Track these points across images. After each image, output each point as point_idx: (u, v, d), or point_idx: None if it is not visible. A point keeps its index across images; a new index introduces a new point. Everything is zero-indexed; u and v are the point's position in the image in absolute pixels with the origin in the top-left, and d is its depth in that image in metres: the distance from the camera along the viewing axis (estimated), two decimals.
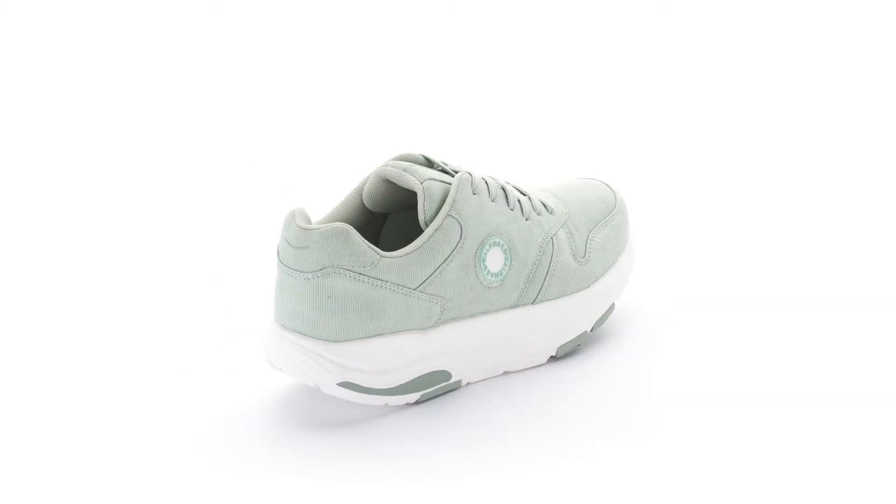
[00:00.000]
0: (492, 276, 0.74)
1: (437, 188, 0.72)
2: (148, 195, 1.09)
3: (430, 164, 0.74)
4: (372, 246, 0.69)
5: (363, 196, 0.74)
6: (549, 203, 0.79)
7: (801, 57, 1.31)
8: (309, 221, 0.70)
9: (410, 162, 0.73)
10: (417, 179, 0.72)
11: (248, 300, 0.88)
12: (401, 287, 0.70)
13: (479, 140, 1.17)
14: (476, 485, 0.67)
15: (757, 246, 0.94)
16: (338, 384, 0.70)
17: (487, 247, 0.73)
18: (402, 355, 0.71)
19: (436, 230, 0.71)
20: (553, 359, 0.79)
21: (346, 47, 1.37)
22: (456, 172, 0.74)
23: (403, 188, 0.73)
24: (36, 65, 1.37)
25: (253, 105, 1.28)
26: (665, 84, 1.29)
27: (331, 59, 1.36)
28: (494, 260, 0.74)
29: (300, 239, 0.69)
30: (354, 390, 0.70)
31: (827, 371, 0.76)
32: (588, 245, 0.79)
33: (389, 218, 0.76)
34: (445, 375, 0.73)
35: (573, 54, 1.35)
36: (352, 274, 0.69)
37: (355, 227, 0.74)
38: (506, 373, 0.77)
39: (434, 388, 0.73)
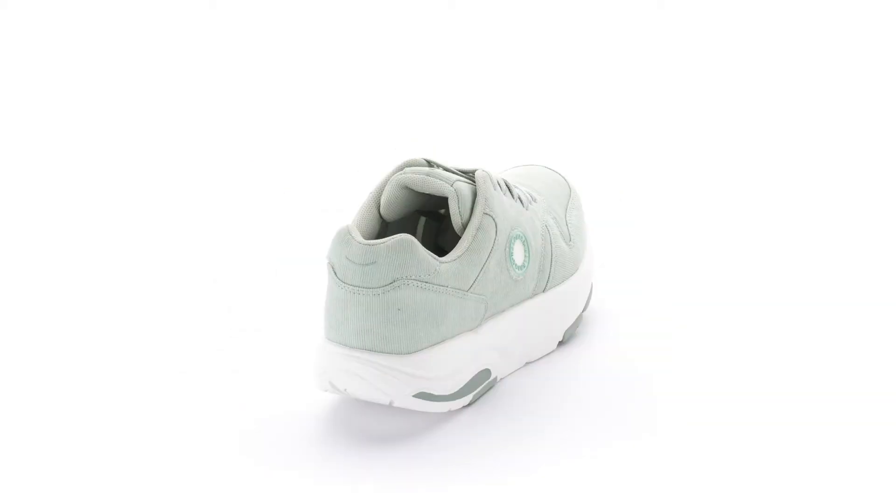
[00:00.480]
0: (518, 270, 0.75)
1: (466, 189, 0.72)
2: (148, 195, 1.08)
3: (430, 165, 0.74)
4: (430, 253, 0.70)
5: (381, 205, 0.73)
6: (530, 192, 0.80)
7: (800, 57, 1.31)
8: (360, 237, 0.69)
9: (416, 167, 0.73)
10: (446, 183, 0.72)
11: (248, 300, 0.88)
12: (457, 290, 0.71)
13: (469, 139, 1.17)
14: (476, 486, 0.67)
15: (757, 246, 0.94)
16: (413, 396, 0.70)
17: (512, 241, 0.74)
18: (461, 358, 0.72)
19: (478, 230, 0.72)
20: (560, 344, 0.81)
21: (342, 48, 1.37)
22: (455, 171, 0.74)
23: (419, 194, 0.73)
24: (36, 65, 1.37)
25: (252, 106, 1.28)
26: (663, 84, 1.29)
27: (327, 59, 1.36)
28: (518, 253, 0.75)
29: (366, 255, 0.68)
30: (427, 399, 0.71)
31: (827, 371, 0.77)
32: (569, 228, 0.80)
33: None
34: (487, 373, 0.75)
35: (571, 54, 1.35)
36: (419, 283, 0.69)
37: (375, 236, 0.73)
38: (527, 364, 0.78)
39: (481, 387, 0.74)
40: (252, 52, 1.37)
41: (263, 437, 0.72)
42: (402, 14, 1.40)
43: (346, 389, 0.70)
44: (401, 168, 0.73)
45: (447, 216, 0.77)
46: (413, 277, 0.69)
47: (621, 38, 1.37)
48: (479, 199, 0.72)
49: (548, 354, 0.79)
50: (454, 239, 0.76)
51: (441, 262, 0.70)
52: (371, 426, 0.72)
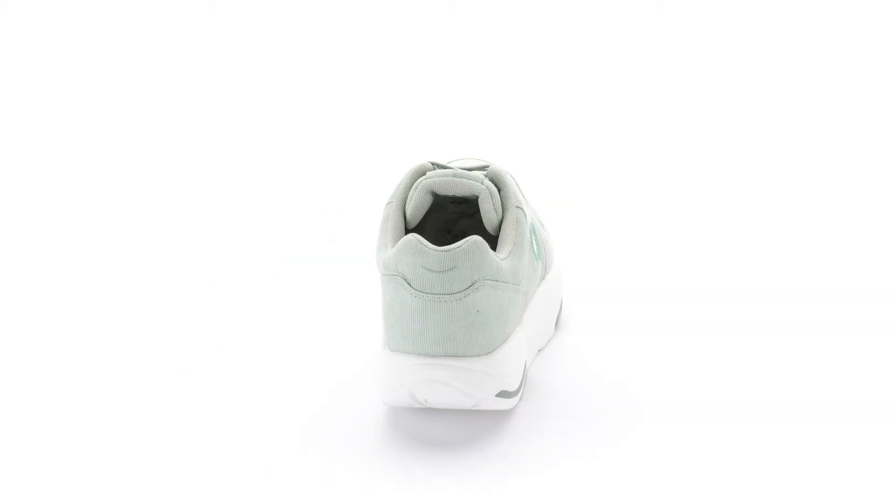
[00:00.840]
0: (537, 257, 0.76)
1: (493, 186, 0.72)
2: (148, 195, 1.08)
3: (435, 167, 0.74)
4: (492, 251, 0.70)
5: (409, 212, 0.72)
6: None
7: (791, 63, 1.31)
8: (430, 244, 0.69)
9: (426, 171, 0.73)
10: (476, 182, 0.72)
11: (247, 300, 0.88)
12: (514, 286, 0.71)
13: (468, 139, 1.17)
14: (475, 485, 0.67)
15: (754, 244, 0.94)
16: (496, 395, 0.70)
17: (532, 230, 0.75)
18: (520, 352, 0.72)
19: (517, 224, 0.72)
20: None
21: (341, 48, 1.37)
22: (467, 170, 0.74)
23: (434, 195, 0.73)
24: (35, 65, 1.37)
25: (252, 106, 1.28)
26: (664, 84, 1.29)
27: (327, 60, 1.36)
28: (534, 241, 0.75)
29: (444, 261, 0.68)
30: (505, 397, 0.71)
31: (823, 370, 0.77)
32: (538, 216, 0.81)
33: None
34: (525, 364, 0.75)
35: (569, 54, 1.35)
36: (492, 283, 0.69)
37: None
38: (539, 351, 0.79)
39: (524, 379, 0.74)
40: (252, 51, 1.37)
41: (263, 438, 0.72)
42: (402, 14, 1.40)
43: (426, 400, 0.70)
44: (419, 173, 0.73)
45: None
46: (487, 278, 0.69)
47: (619, 38, 1.37)
48: (508, 193, 0.72)
49: (546, 353, 0.79)
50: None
51: (503, 259, 0.70)
52: (367, 426, 0.72)
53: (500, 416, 0.73)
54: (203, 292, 0.89)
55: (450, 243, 0.75)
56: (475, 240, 0.68)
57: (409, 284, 0.68)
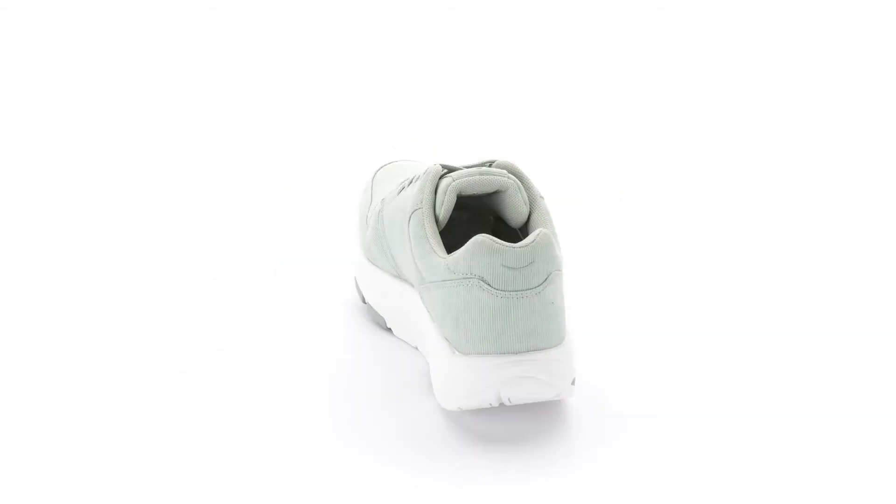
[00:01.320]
0: None
1: (517, 179, 0.73)
2: (148, 195, 1.08)
3: (449, 169, 0.74)
4: None
5: (440, 214, 0.73)
6: None
7: (791, 65, 1.31)
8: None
9: (440, 174, 0.73)
10: (501, 177, 0.72)
11: (247, 300, 0.88)
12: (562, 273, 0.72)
13: (468, 138, 1.17)
14: (475, 486, 0.67)
15: (754, 244, 0.95)
16: (571, 384, 0.71)
17: None
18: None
19: (546, 212, 0.73)
20: None
21: (341, 48, 1.37)
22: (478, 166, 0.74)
23: (467, 195, 0.73)
24: (36, 65, 1.37)
25: (252, 106, 1.27)
26: (664, 84, 1.29)
27: (327, 60, 1.36)
28: None
29: (523, 258, 0.68)
30: (573, 385, 0.71)
31: (816, 366, 0.77)
32: None
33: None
34: None
35: (569, 54, 1.35)
36: (558, 273, 0.70)
37: None
38: None
39: None
40: (252, 52, 1.36)
41: (264, 437, 0.72)
42: (402, 14, 1.40)
43: (509, 399, 0.70)
44: (437, 177, 0.73)
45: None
46: (557, 268, 0.69)
47: (618, 39, 1.37)
48: (530, 184, 0.73)
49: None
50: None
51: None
52: (367, 426, 0.72)
53: (500, 416, 0.73)
54: (203, 292, 0.89)
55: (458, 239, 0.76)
56: (545, 233, 0.69)
57: (489, 284, 0.68)
